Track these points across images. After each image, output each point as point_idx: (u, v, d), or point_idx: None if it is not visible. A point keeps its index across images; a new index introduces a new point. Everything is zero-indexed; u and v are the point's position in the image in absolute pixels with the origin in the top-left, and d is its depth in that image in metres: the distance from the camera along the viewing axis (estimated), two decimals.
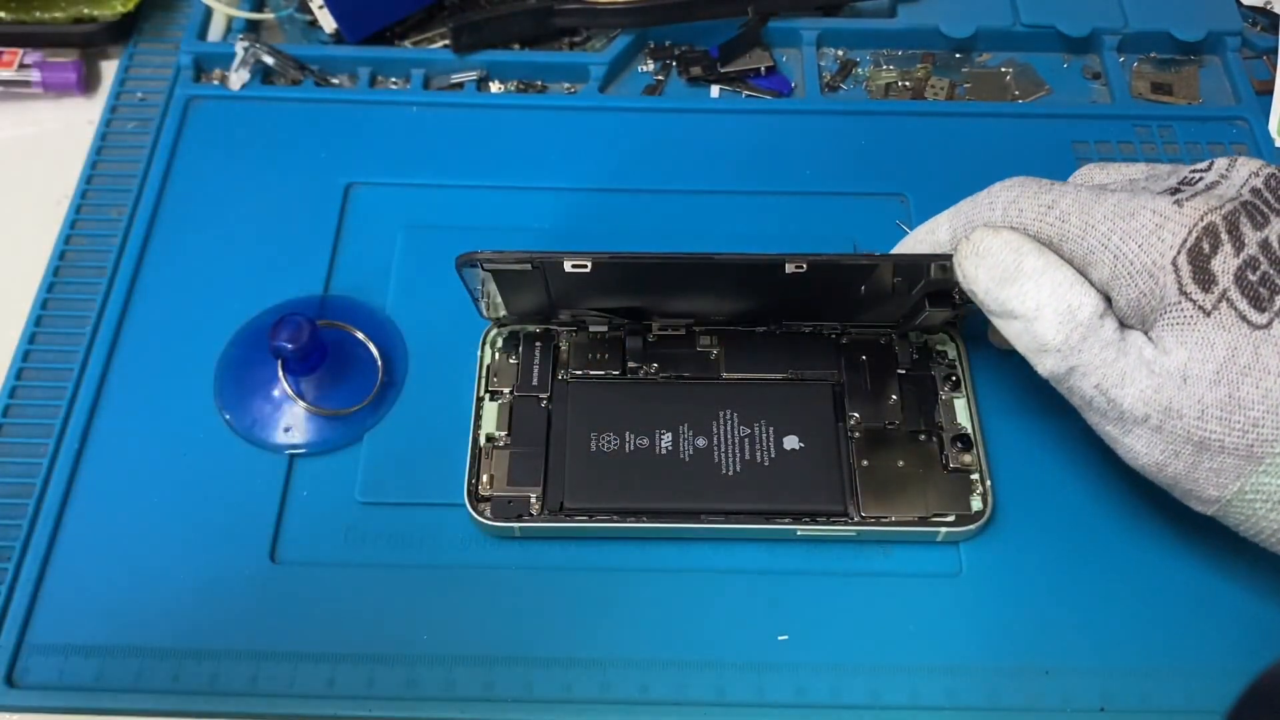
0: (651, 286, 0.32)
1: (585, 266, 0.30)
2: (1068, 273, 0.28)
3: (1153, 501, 0.33)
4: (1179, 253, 0.26)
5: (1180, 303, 0.26)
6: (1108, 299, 0.28)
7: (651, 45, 0.45)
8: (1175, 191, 0.28)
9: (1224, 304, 0.26)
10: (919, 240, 0.32)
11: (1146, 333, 0.27)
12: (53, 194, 0.41)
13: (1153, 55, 0.45)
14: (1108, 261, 0.27)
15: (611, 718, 0.30)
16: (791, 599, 0.32)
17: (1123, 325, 0.28)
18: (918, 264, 0.31)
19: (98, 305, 0.37)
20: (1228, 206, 0.27)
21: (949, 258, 0.30)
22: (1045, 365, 0.28)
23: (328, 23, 0.44)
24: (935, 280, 0.31)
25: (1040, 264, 0.28)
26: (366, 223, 0.40)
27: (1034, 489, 0.34)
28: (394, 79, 0.44)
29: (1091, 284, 0.28)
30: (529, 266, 0.30)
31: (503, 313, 0.35)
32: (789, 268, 0.30)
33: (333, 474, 0.34)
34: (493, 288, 0.32)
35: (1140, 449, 0.28)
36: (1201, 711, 0.30)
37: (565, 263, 0.30)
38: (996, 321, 0.29)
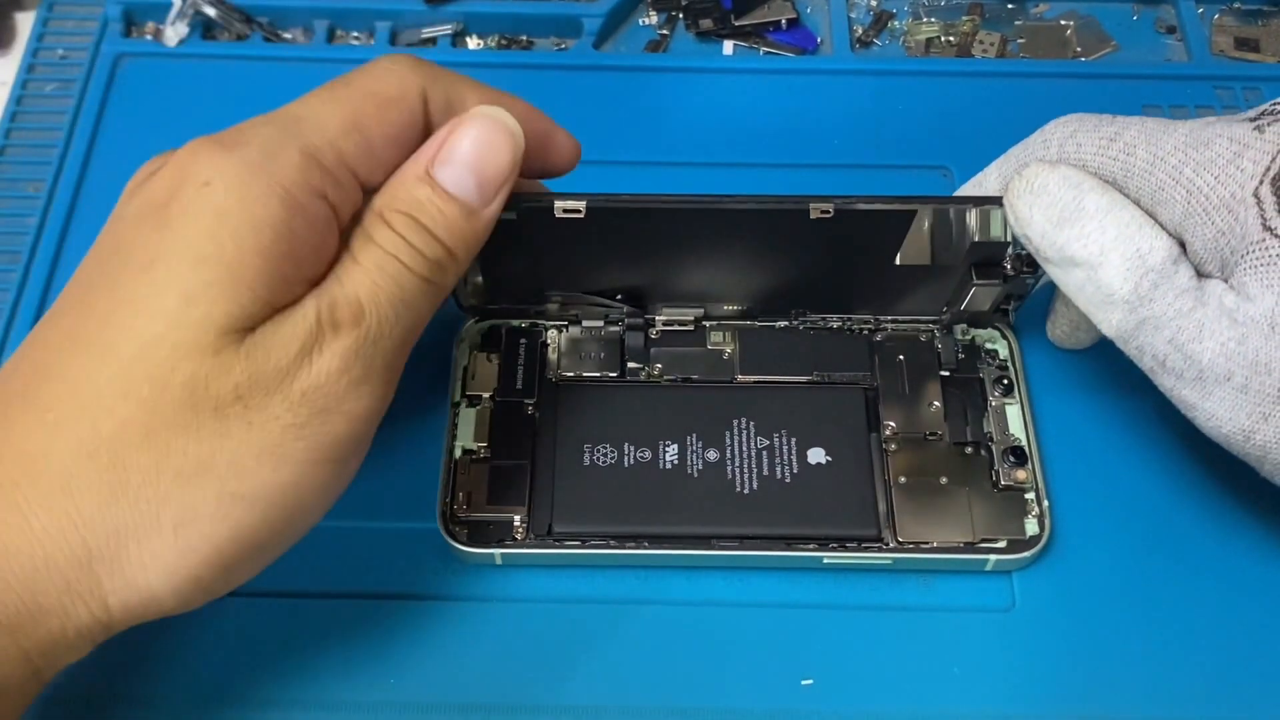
0: (655, 243, 0.32)
1: (579, 211, 0.30)
2: (1135, 212, 0.28)
3: (1249, 522, 0.33)
4: (1261, 183, 0.26)
5: (1264, 240, 0.26)
6: (1180, 243, 0.28)
7: None
8: (1255, 119, 0.28)
9: None
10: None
11: (1226, 279, 0.27)
12: None
13: (1237, 5, 0.45)
14: (1180, 197, 0.28)
15: None
16: (817, 637, 0.32)
17: (1199, 273, 0.28)
18: (961, 208, 0.31)
19: (12, 297, 0.37)
20: None
21: (998, 200, 0.30)
22: (1112, 320, 0.28)
23: None
24: (982, 243, 0.31)
25: (1104, 202, 0.28)
26: None
27: (1099, 510, 0.34)
28: (356, 34, 0.44)
29: (1162, 226, 0.28)
30: (513, 215, 0.30)
31: (481, 296, 0.35)
32: (814, 212, 0.30)
33: None
34: None
35: (1223, 413, 0.28)
36: None
37: (556, 205, 0.30)
38: (1054, 272, 0.29)
